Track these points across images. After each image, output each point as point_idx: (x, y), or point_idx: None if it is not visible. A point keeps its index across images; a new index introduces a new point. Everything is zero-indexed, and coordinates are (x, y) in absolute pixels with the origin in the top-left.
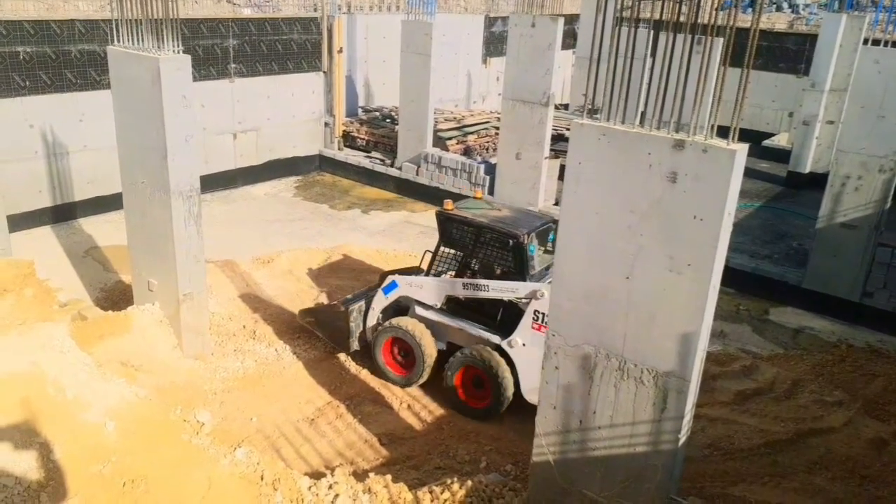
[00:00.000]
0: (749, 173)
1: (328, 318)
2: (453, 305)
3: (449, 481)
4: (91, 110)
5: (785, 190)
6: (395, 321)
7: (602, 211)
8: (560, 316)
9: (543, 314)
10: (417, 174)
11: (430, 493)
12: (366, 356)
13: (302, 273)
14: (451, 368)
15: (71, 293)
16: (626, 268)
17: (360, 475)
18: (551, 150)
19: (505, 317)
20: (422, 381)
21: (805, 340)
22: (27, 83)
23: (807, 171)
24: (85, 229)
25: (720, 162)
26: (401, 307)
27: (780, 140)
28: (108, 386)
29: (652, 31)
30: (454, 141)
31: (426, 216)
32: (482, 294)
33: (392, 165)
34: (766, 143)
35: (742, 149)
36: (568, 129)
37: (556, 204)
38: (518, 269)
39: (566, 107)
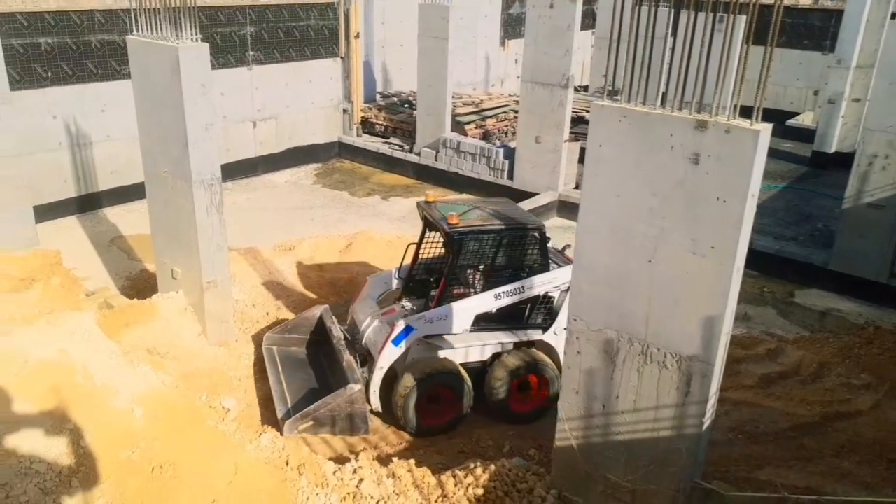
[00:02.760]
0: (773, 154)
1: (331, 411)
2: (481, 321)
3: (472, 465)
4: (113, 100)
5: (810, 170)
6: (424, 368)
7: (623, 194)
8: (581, 300)
9: None
10: (436, 159)
11: (454, 477)
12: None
13: (324, 259)
14: (499, 385)
15: (97, 282)
16: (648, 251)
17: (383, 460)
18: (571, 132)
19: (530, 312)
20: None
21: (831, 323)
22: (49, 74)
23: (832, 150)
24: (109, 219)
25: (743, 142)
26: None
27: (805, 119)
28: (135, 373)
29: (672, 10)
30: (473, 125)
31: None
32: (518, 297)
33: (411, 151)
34: (791, 122)
35: (766, 129)
36: (588, 112)
37: (577, 187)
38: (542, 259)
39: (586, 88)
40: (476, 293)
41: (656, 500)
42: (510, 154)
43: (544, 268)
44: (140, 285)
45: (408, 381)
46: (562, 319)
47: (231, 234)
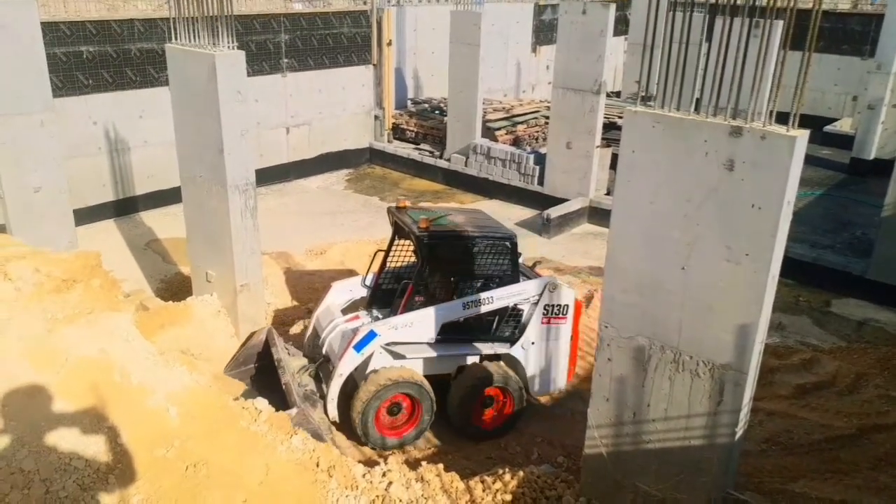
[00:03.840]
0: (810, 160)
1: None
2: (447, 331)
3: (501, 471)
4: (150, 107)
5: (848, 177)
6: (388, 377)
7: (656, 200)
8: (613, 307)
9: (554, 306)
10: (466, 165)
11: (482, 482)
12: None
13: (353, 264)
14: (462, 398)
15: (133, 284)
16: (681, 258)
17: (412, 464)
18: (603, 138)
19: (498, 324)
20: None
21: (869, 333)
22: (90, 81)
23: (871, 157)
24: (145, 222)
25: (779, 149)
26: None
27: (843, 125)
28: (170, 373)
29: (708, 16)
30: (503, 131)
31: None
32: (487, 308)
33: (441, 157)
34: (828, 128)
35: (802, 135)
36: (620, 118)
37: (608, 193)
38: (513, 270)
39: (618, 94)
40: (444, 301)
41: None
42: (541, 160)
43: (514, 279)
44: (174, 288)
45: (367, 390)
46: (529, 333)
47: (263, 239)
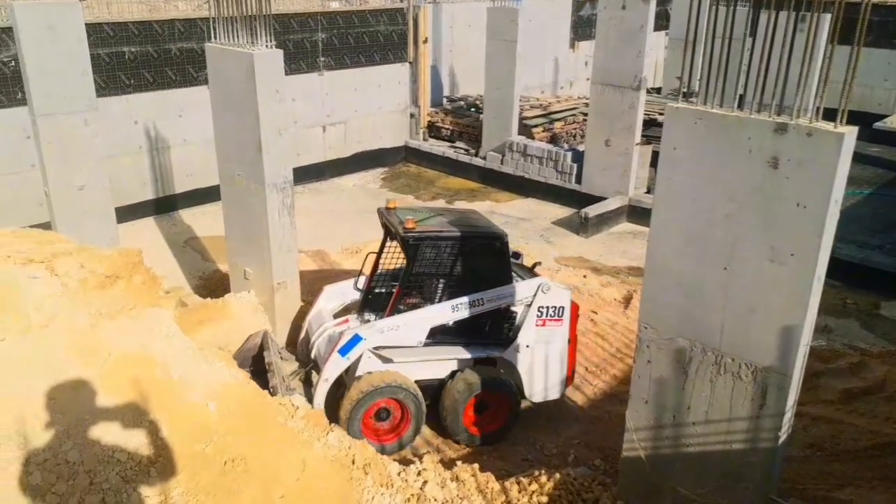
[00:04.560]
0: (858, 158)
1: None
2: (437, 335)
3: (537, 473)
4: (189, 106)
5: None
6: (375, 382)
7: (698, 198)
8: (653, 308)
9: (548, 308)
10: (502, 163)
11: (518, 483)
12: None
13: None
14: (454, 403)
15: (172, 281)
16: (723, 258)
17: (446, 463)
18: (643, 135)
19: (491, 327)
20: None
21: None
22: (132, 81)
23: None
24: (184, 220)
25: (826, 146)
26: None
27: (894, 122)
28: (209, 368)
29: (752, 10)
30: (540, 128)
31: (510, 206)
32: (477, 310)
33: (476, 155)
34: (878, 125)
35: (850, 132)
36: (660, 114)
37: (648, 192)
38: (504, 271)
39: (658, 90)
40: (433, 304)
41: None
42: (578, 157)
43: (506, 280)
44: (212, 285)
45: (352, 395)
46: (524, 336)
47: (300, 237)
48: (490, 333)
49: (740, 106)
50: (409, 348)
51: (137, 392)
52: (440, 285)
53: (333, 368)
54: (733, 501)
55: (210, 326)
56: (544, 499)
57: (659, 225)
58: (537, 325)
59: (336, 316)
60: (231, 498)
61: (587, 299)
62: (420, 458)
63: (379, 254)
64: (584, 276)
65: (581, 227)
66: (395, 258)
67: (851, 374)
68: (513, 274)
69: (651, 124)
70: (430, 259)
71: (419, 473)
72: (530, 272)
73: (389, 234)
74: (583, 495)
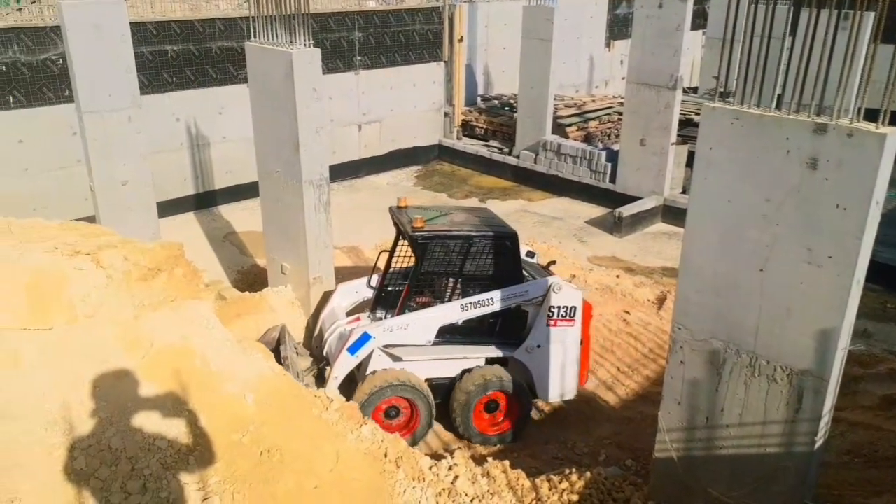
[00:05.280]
0: None
1: None
2: (447, 334)
3: (567, 472)
4: (229, 103)
5: None
6: (384, 379)
7: (734, 199)
8: (687, 309)
9: (559, 308)
10: (535, 162)
11: (549, 481)
12: None
13: None
14: (463, 402)
15: (211, 275)
16: (759, 259)
17: (477, 459)
18: (679, 135)
19: (502, 326)
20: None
21: None
22: (174, 79)
23: None
24: (224, 215)
25: (867, 147)
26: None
27: None
28: (247, 360)
29: (792, 8)
30: (574, 127)
31: (543, 205)
32: (486, 310)
33: (510, 153)
34: None
35: (893, 132)
36: (696, 114)
37: (684, 192)
38: (514, 270)
39: (695, 90)
40: (443, 303)
41: None
42: (613, 157)
43: (517, 279)
44: (251, 279)
45: (362, 392)
46: (534, 336)
47: (335, 233)
48: (501, 333)
49: (778, 106)
50: (419, 347)
51: (178, 382)
52: (450, 284)
53: (343, 366)
54: None
55: (248, 319)
56: (575, 497)
57: (694, 225)
58: (549, 325)
59: (350, 313)
60: (267, 487)
61: (620, 299)
62: (451, 453)
63: (391, 252)
64: (618, 276)
65: (615, 226)
66: (408, 256)
67: (891, 380)
68: (524, 273)
69: (687, 124)
70: (439, 258)
71: (450, 468)
72: (544, 271)
73: (402, 233)
74: (613, 495)
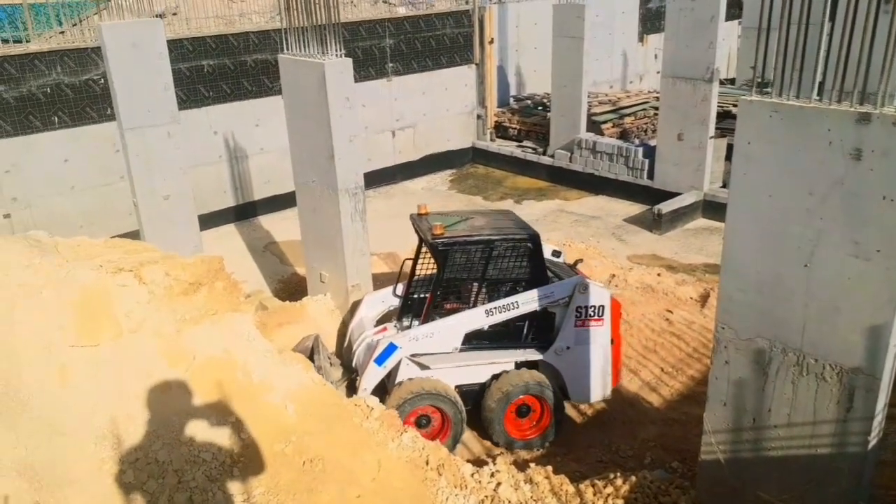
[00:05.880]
0: None
1: None
2: (473, 340)
3: (612, 476)
4: (265, 115)
5: None
6: (411, 389)
7: (775, 193)
8: (730, 308)
9: (587, 308)
10: (571, 161)
11: (593, 486)
12: None
13: None
14: (493, 407)
15: (252, 285)
16: (804, 255)
17: (520, 465)
18: (717, 128)
19: (529, 329)
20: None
21: None
22: (211, 93)
23: None
24: (263, 226)
25: None
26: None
27: None
28: (288, 371)
29: None
30: (609, 124)
31: (580, 204)
32: (512, 314)
33: (544, 154)
34: None
35: None
36: (734, 106)
37: (724, 186)
38: (538, 272)
39: (732, 81)
40: (469, 309)
41: None
42: (650, 153)
43: (541, 281)
44: (291, 288)
45: (390, 403)
46: (563, 338)
47: (372, 240)
48: (529, 336)
49: (819, 94)
50: (447, 354)
51: (220, 394)
52: (474, 289)
53: (371, 378)
54: None
55: (289, 329)
56: (620, 502)
57: (735, 222)
58: (577, 327)
59: (379, 322)
60: (310, 497)
61: (662, 298)
62: (493, 459)
63: (415, 259)
64: (659, 275)
65: (654, 223)
66: (432, 263)
67: None
68: (549, 274)
69: (725, 116)
70: (461, 264)
71: (492, 475)
72: (571, 270)
73: (422, 240)
74: (660, 499)
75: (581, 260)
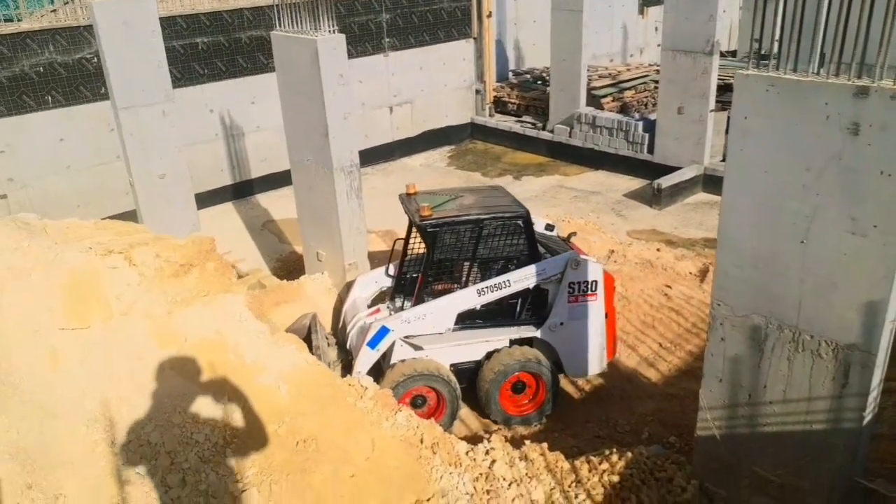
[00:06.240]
0: None
1: None
2: (467, 319)
3: (608, 452)
4: (261, 93)
5: None
6: (405, 371)
7: (772, 169)
8: (726, 284)
9: (579, 283)
10: (570, 136)
11: (588, 462)
12: None
13: None
14: (492, 388)
15: (251, 263)
16: (800, 231)
17: (516, 441)
18: (718, 101)
19: (522, 306)
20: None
21: None
22: (206, 71)
23: None
24: (261, 204)
25: None
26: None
27: None
28: (281, 351)
29: None
30: (609, 98)
31: (579, 179)
32: (504, 292)
33: (543, 128)
34: None
35: None
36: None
37: (724, 160)
38: (530, 249)
39: (733, 54)
40: (460, 289)
41: (809, 497)
42: (650, 127)
43: (533, 258)
44: (290, 266)
45: (385, 384)
46: (556, 314)
47: (370, 218)
48: (522, 313)
49: (819, 68)
50: (439, 334)
51: (212, 376)
52: (464, 269)
53: (365, 361)
54: (815, 483)
55: (286, 307)
56: (615, 478)
57: (731, 198)
58: (570, 302)
59: (373, 302)
60: (304, 477)
61: (661, 273)
62: (489, 436)
63: (406, 239)
64: (658, 250)
65: (654, 198)
66: (423, 242)
67: None
68: (542, 249)
69: (726, 90)
70: (450, 245)
71: (487, 452)
72: (564, 244)
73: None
74: (655, 474)
75: (575, 233)
